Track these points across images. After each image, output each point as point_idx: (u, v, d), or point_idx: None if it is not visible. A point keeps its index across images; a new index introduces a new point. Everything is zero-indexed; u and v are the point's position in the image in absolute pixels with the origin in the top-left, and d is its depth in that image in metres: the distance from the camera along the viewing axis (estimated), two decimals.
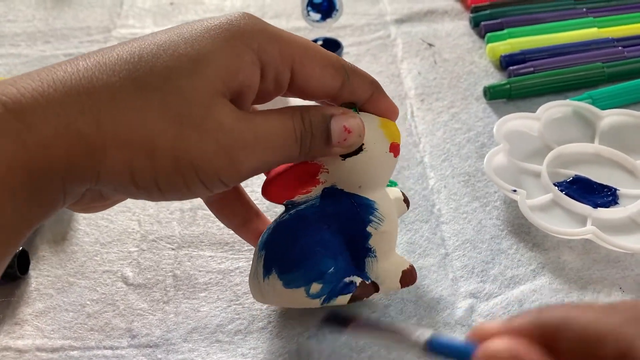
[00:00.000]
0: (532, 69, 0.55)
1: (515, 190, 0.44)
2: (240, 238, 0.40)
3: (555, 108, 0.50)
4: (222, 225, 0.44)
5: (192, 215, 0.46)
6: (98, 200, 0.32)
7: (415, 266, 0.38)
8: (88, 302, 0.41)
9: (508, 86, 0.54)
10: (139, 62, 0.28)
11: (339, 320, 0.27)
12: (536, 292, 0.40)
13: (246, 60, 0.29)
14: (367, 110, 0.34)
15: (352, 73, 0.33)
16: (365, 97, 0.34)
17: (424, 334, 0.25)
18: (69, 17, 0.68)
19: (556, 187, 0.45)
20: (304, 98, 0.34)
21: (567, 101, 0.51)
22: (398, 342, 0.25)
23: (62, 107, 0.26)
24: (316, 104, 0.34)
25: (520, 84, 0.54)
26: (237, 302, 0.40)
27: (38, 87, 0.26)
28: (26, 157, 0.25)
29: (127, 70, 0.27)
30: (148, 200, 0.30)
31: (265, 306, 0.40)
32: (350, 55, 0.60)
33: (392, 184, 0.46)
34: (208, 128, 0.28)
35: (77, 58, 0.28)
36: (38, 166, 0.25)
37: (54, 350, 0.38)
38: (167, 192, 0.29)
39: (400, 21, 0.64)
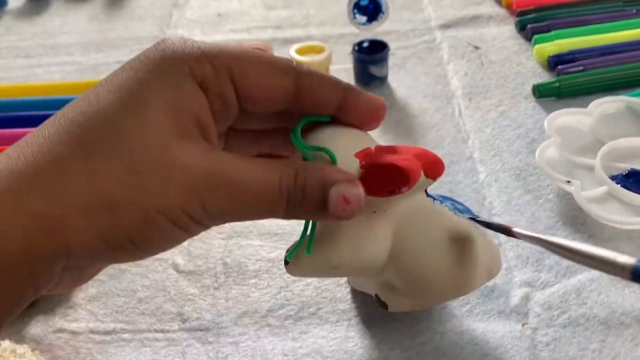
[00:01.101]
0: (581, 67, 0.55)
1: (569, 182, 0.43)
2: (289, 230, 0.40)
3: (607, 104, 0.50)
4: None
5: None
6: (81, 275, 0.29)
7: None
8: (139, 288, 0.41)
9: (557, 84, 0.53)
10: (84, 124, 0.26)
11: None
12: (594, 281, 0.39)
13: (186, 90, 0.27)
14: (346, 117, 0.31)
15: (307, 74, 0.29)
16: (334, 100, 0.30)
17: (629, 259, 0.24)
18: (120, 28, 0.71)
19: (612, 180, 0.44)
20: (258, 109, 0.30)
21: (620, 97, 0.50)
22: (601, 265, 0.25)
23: (10, 193, 0.24)
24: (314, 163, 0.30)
25: (570, 81, 0.53)
26: (287, 289, 0.40)
27: None
28: None
29: (74, 137, 0.25)
30: (131, 260, 0.28)
31: (315, 293, 0.40)
32: (396, 57, 0.60)
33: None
34: (167, 171, 0.26)
35: (21, 140, 0.26)
36: None
37: (106, 332, 0.38)
38: (144, 246, 0.26)
39: (445, 26, 0.65)
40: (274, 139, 0.33)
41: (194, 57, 0.27)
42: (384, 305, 0.35)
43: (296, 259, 0.33)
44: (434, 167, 0.31)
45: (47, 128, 0.26)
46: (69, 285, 0.29)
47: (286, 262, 0.33)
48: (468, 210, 0.36)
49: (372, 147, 0.31)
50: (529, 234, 0.30)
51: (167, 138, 0.26)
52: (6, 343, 0.31)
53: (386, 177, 0.29)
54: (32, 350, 0.32)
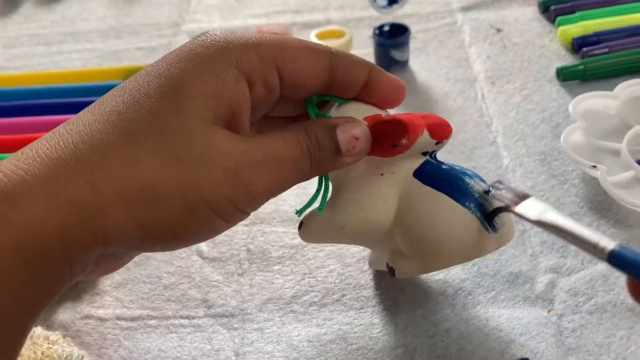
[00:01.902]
0: (607, 49, 0.54)
1: (595, 166, 0.42)
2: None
3: (634, 86, 0.49)
4: (293, 203, 0.45)
5: None
6: (114, 263, 0.30)
7: None
8: (164, 275, 0.41)
9: (582, 67, 0.52)
10: (125, 113, 0.26)
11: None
12: None
13: (228, 80, 0.28)
14: (369, 96, 0.32)
15: (339, 56, 0.31)
16: (361, 78, 0.31)
17: (610, 243, 0.25)
18: (138, 14, 0.71)
19: (638, 165, 0.43)
20: (298, 94, 0.31)
21: None
22: (584, 245, 0.26)
23: (49, 179, 0.24)
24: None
25: (595, 64, 0.52)
26: (310, 276, 0.40)
27: (22, 165, 0.24)
28: (14, 239, 0.23)
29: (114, 125, 0.26)
30: (166, 250, 0.28)
31: (339, 280, 0.40)
32: (417, 40, 0.59)
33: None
34: (210, 158, 0.26)
35: (59, 127, 0.27)
36: (31, 245, 0.23)
37: (133, 319, 0.39)
38: (185, 236, 0.27)
39: (466, 9, 0.64)
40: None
41: (240, 47, 0.28)
42: (392, 272, 0.34)
43: (306, 223, 0.34)
44: (439, 128, 0.32)
45: (86, 115, 0.27)
46: (102, 272, 0.30)
47: (299, 227, 0.35)
48: (481, 179, 0.34)
49: (383, 115, 0.32)
50: (525, 216, 0.30)
51: (206, 126, 0.27)
52: (39, 330, 0.32)
53: (388, 131, 0.31)
54: (63, 337, 0.32)
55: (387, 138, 0.31)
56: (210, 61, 0.27)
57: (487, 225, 0.32)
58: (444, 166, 0.33)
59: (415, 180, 0.32)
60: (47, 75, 0.60)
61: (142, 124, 0.26)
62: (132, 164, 0.25)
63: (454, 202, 0.32)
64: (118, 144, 0.25)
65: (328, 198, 0.33)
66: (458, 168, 0.34)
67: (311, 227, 0.35)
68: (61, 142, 0.25)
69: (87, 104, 0.28)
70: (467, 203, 0.32)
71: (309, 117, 0.32)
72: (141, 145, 0.25)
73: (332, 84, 0.31)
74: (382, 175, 0.33)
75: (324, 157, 0.30)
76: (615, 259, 0.25)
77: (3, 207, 0.23)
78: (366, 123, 0.31)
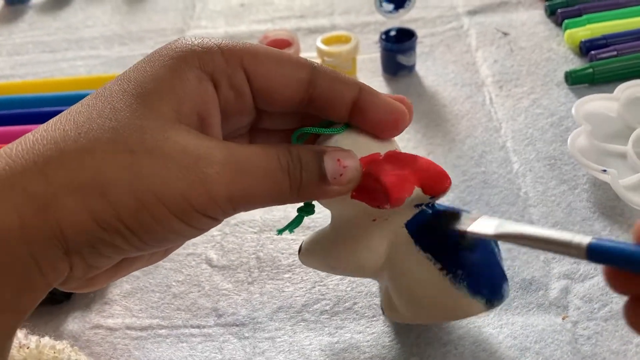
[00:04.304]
0: (615, 52, 0.53)
1: (605, 170, 0.42)
2: (321, 222, 0.39)
3: (634, 88, 0.48)
4: None
5: None
6: (92, 269, 0.27)
7: (503, 249, 0.36)
8: (174, 283, 0.41)
9: (591, 70, 0.52)
10: (85, 112, 0.26)
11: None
12: None
13: (190, 79, 0.27)
14: (361, 120, 0.30)
15: (322, 71, 0.29)
16: (346, 97, 0.29)
17: (585, 239, 0.23)
18: (143, 21, 0.71)
19: None
20: (274, 105, 0.30)
21: None
22: (559, 248, 0.25)
23: (4, 171, 0.24)
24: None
25: (604, 67, 0.52)
26: (321, 284, 0.40)
27: None
28: None
29: (73, 122, 0.26)
30: (134, 250, 0.26)
31: (350, 287, 0.39)
32: (423, 45, 0.59)
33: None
34: (165, 151, 0.25)
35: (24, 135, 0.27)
36: None
37: (142, 328, 0.39)
38: (141, 234, 0.25)
39: (472, 12, 0.64)
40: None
41: (205, 49, 0.28)
42: (382, 311, 0.34)
43: (303, 253, 0.35)
44: (434, 184, 0.30)
45: (52, 120, 0.27)
46: (85, 282, 0.28)
47: (299, 250, 0.35)
48: None
49: (382, 153, 0.30)
50: (482, 233, 0.29)
51: (165, 123, 0.26)
52: (45, 339, 0.31)
53: (374, 190, 0.29)
54: (71, 346, 0.32)
55: (371, 196, 0.29)
56: (173, 63, 0.27)
57: (472, 291, 0.30)
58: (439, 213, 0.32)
59: (405, 231, 0.31)
60: (52, 83, 0.59)
61: (99, 122, 0.25)
62: (85, 154, 0.25)
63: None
64: (73, 137, 0.25)
65: (321, 237, 0.34)
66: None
67: (306, 258, 0.35)
68: (22, 142, 0.25)
69: None
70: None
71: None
72: (97, 139, 0.25)
73: (314, 99, 0.29)
74: (374, 221, 0.31)
75: (307, 180, 0.28)
76: (594, 252, 0.23)
77: None
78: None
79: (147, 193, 0.25)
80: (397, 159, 0.30)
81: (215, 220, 0.27)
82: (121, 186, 0.24)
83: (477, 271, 0.31)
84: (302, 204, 0.32)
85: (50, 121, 0.27)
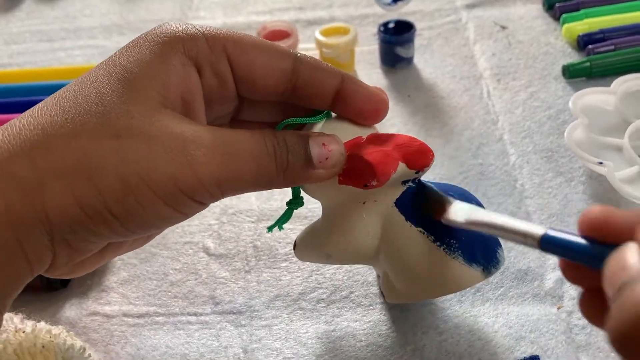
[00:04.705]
0: (612, 46, 0.54)
1: (601, 163, 0.42)
2: (317, 213, 0.39)
3: (631, 81, 0.49)
4: None
5: (270, 191, 0.46)
6: (76, 256, 0.27)
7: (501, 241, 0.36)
8: (171, 271, 0.41)
9: (588, 64, 0.52)
10: (71, 97, 0.26)
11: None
12: None
13: (174, 64, 0.27)
14: (343, 107, 0.31)
15: (305, 60, 0.30)
16: (329, 86, 0.30)
17: (540, 229, 0.24)
18: (141, 10, 0.70)
19: None
20: (257, 94, 0.30)
21: None
22: (516, 237, 0.25)
23: None
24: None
25: (601, 61, 0.52)
26: (318, 272, 0.40)
27: None
28: None
29: (60, 107, 0.26)
30: (116, 236, 0.26)
31: (346, 277, 0.39)
32: (422, 38, 0.59)
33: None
34: (152, 134, 0.25)
35: (9, 121, 0.27)
36: None
37: (139, 315, 0.39)
38: (125, 219, 0.25)
39: (471, 6, 0.64)
40: None
41: (189, 34, 0.28)
42: (382, 295, 0.34)
43: (298, 247, 0.35)
44: (418, 158, 0.30)
45: (39, 105, 0.27)
46: (71, 268, 0.28)
47: (294, 247, 0.35)
48: (467, 199, 0.32)
49: (364, 137, 0.31)
50: (455, 220, 0.29)
51: (151, 107, 0.26)
52: (41, 324, 0.31)
53: (359, 169, 0.30)
54: (67, 332, 0.32)
55: (357, 177, 0.30)
56: (158, 48, 0.27)
57: (468, 260, 0.31)
58: (426, 189, 0.32)
59: (396, 209, 0.32)
60: (50, 72, 0.59)
61: (86, 106, 0.25)
62: (71, 139, 0.25)
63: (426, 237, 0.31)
64: (60, 122, 0.25)
65: (313, 228, 0.34)
66: (442, 191, 0.32)
67: (302, 252, 0.35)
68: (8, 127, 0.25)
69: None
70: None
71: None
72: (83, 123, 0.25)
73: (296, 89, 0.30)
74: (364, 203, 0.32)
75: (293, 164, 0.28)
76: (546, 243, 0.23)
77: None
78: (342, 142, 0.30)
79: (134, 177, 0.25)
80: (379, 138, 0.31)
81: (202, 204, 0.27)
82: (108, 170, 0.24)
83: (469, 240, 0.31)
84: (290, 197, 0.33)
85: (36, 107, 0.27)
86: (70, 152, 0.25)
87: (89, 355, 0.31)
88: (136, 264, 0.42)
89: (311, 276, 0.40)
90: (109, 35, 0.67)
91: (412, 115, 0.51)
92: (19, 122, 0.26)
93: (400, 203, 0.32)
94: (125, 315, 0.39)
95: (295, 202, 0.33)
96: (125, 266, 0.41)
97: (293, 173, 0.28)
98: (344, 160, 0.30)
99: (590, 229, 0.22)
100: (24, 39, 0.67)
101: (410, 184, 0.32)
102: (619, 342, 0.18)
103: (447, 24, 0.62)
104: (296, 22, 0.65)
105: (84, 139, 0.25)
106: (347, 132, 0.31)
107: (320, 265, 0.40)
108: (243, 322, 0.38)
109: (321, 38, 0.55)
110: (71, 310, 0.39)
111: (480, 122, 0.50)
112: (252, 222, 0.44)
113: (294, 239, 0.42)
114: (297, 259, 0.41)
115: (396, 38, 0.55)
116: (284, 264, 0.41)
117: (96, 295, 0.40)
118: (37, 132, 0.25)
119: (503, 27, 0.60)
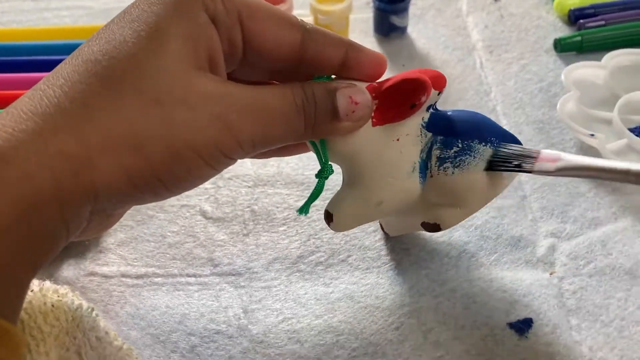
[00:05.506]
0: (603, 22, 0.54)
1: (593, 135, 0.43)
2: (314, 180, 0.40)
3: (621, 57, 0.50)
4: (296, 166, 0.45)
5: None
6: (105, 221, 0.29)
7: (493, 207, 0.37)
8: (168, 234, 0.41)
9: (579, 38, 0.53)
10: (102, 60, 0.25)
11: None
12: (619, 233, 0.39)
13: (201, 23, 0.27)
14: (349, 74, 0.31)
15: (313, 32, 0.29)
16: (337, 56, 0.30)
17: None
18: None
19: (631, 132, 0.44)
20: (262, 62, 0.30)
21: (634, 49, 0.50)
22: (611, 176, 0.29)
23: (37, 134, 0.24)
24: None
25: (592, 36, 0.53)
26: (315, 237, 0.41)
27: (9, 123, 0.24)
28: (10, 195, 0.22)
29: (93, 74, 0.25)
30: (155, 201, 0.27)
31: (343, 241, 0.40)
32: (415, 7, 0.59)
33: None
34: (193, 100, 0.25)
35: (40, 83, 0.26)
36: (28, 200, 0.23)
37: (138, 276, 0.39)
38: (171, 184, 0.26)
39: None
40: None
41: None
42: (436, 227, 0.34)
43: (336, 213, 0.33)
44: (437, 80, 0.31)
45: (65, 68, 0.26)
46: (95, 231, 0.29)
47: (329, 219, 0.33)
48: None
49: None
50: (552, 168, 0.31)
51: (187, 68, 0.26)
52: (47, 283, 0.31)
53: (404, 93, 0.30)
54: (72, 291, 0.32)
55: (406, 99, 0.30)
56: (182, 5, 0.26)
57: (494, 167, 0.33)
58: (448, 113, 0.34)
59: (429, 134, 0.33)
60: (36, 32, 0.58)
61: (120, 68, 0.25)
62: (114, 111, 0.24)
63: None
64: (98, 92, 0.25)
65: (348, 181, 0.33)
66: (458, 111, 0.34)
67: (344, 214, 0.33)
68: (44, 98, 0.25)
69: None
70: (488, 138, 0.33)
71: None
72: (122, 90, 0.25)
73: (303, 61, 0.30)
74: (398, 140, 0.32)
75: (320, 118, 0.29)
76: None
77: None
78: (368, 92, 0.30)
79: (181, 143, 0.25)
80: (390, 79, 0.31)
81: (234, 160, 0.28)
82: (155, 139, 0.25)
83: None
84: (319, 169, 0.32)
85: (64, 69, 0.26)
86: (116, 125, 0.24)
87: (97, 315, 0.31)
88: (133, 226, 0.42)
89: (309, 240, 0.40)
90: None
91: None
92: (54, 93, 0.25)
93: (431, 126, 0.33)
94: (123, 275, 0.39)
95: (325, 171, 0.32)
96: (122, 228, 0.41)
97: (320, 127, 0.29)
98: (371, 112, 0.30)
99: None
100: None
101: (432, 110, 0.33)
102: None
103: None
104: None
105: (127, 109, 0.24)
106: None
107: (318, 229, 0.41)
108: (242, 284, 0.38)
109: (316, 4, 0.55)
110: (69, 270, 0.39)
111: (473, 92, 0.51)
112: (249, 186, 0.44)
113: (292, 204, 0.42)
114: (295, 224, 0.41)
115: (391, 6, 0.55)
116: (281, 228, 0.41)
117: (94, 256, 0.40)
118: (77, 104, 0.24)
119: (496, 0, 0.60)
